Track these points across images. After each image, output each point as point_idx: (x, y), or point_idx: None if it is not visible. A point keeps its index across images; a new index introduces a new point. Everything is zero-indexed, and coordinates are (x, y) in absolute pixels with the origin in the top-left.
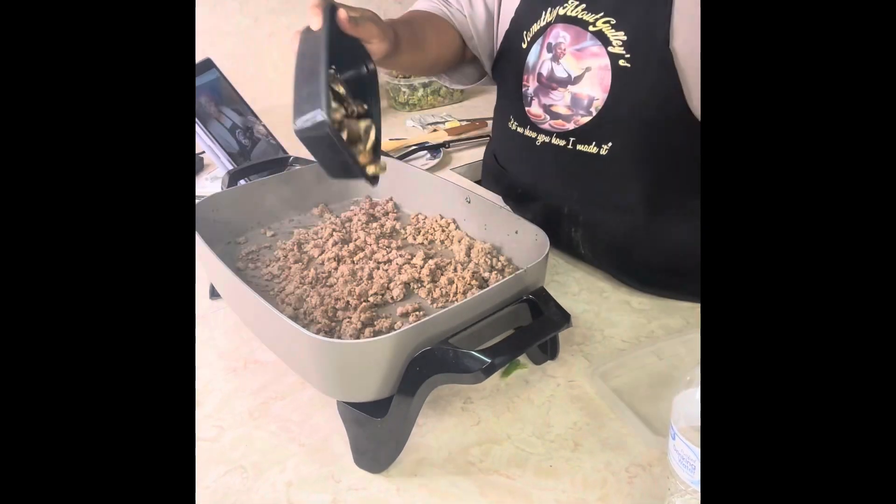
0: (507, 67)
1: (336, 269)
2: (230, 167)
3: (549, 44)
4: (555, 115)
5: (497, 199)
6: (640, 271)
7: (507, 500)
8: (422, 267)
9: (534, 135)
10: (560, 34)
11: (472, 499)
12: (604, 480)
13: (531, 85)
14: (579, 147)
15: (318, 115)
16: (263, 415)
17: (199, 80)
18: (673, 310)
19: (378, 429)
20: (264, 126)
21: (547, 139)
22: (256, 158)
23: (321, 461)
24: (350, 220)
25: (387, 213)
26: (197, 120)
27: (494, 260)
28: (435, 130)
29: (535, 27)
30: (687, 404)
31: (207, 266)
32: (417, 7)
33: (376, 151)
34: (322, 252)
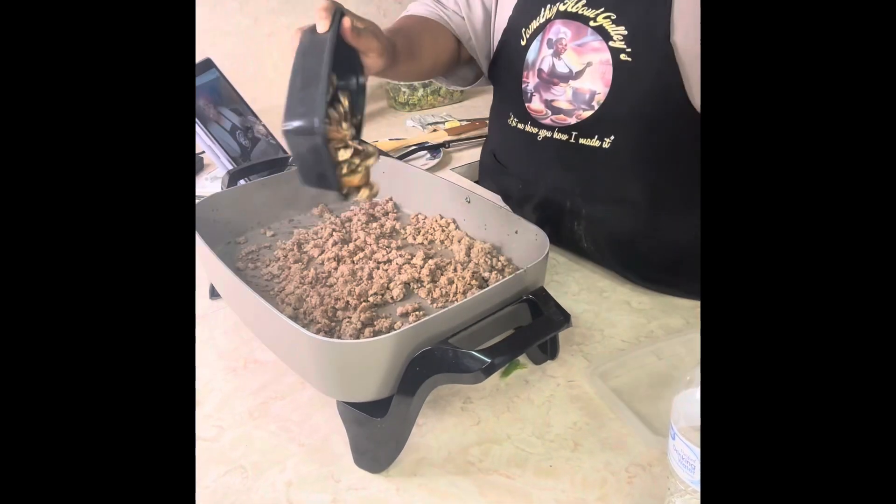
0: (505, 65)
1: (336, 269)
2: (230, 167)
3: (550, 40)
4: (556, 111)
5: (496, 198)
6: (643, 265)
7: (507, 500)
8: (422, 267)
9: (535, 130)
10: (561, 30)
11: (471, 499)
12: (603, 480)
13: (531, 81)
14: (581, 141)
15: (315, 122)
16: (263, 415)
17: (199, 80)
18: (673, 310)
19: (378, 429)
20: (264, 126)
21: (549, 134)
22: (256, 158)
23: (321, 461)
24: (350, 220)
25: (387, 213)
26: (197, 120)
27: (494, 260)
28: (435, 130)
29: (535, 24)
30: (687, 404)
31: (207, 266)
32: (412, 12)
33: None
34: (322, 252)
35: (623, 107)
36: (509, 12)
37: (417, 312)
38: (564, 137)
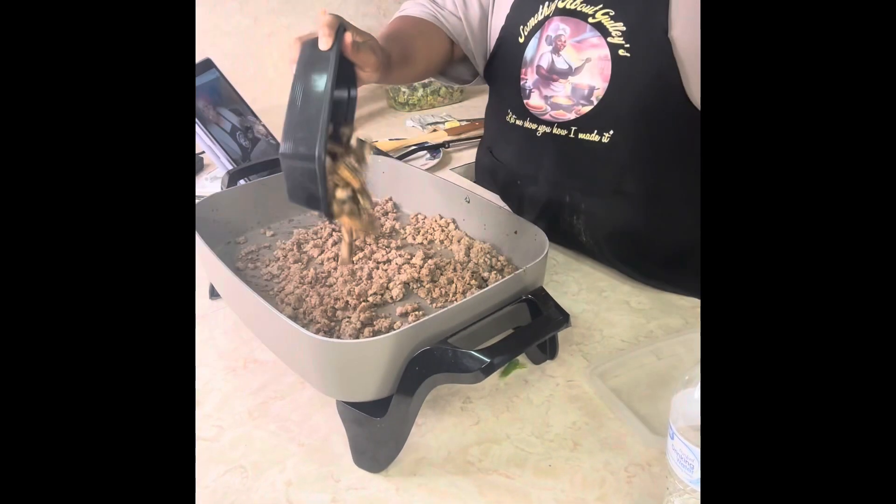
0: (503, 63)
1: (335, 268)
2: (230, 167)
3: (549, 36)
4: (556, 106)
5: (496, 198)
6: (641, 260)
7: (507, 500)
8: (421, 267)
9: (534, 126)
10: (559, 27)
11: (471, 498)
12: (603, 480)
13: (530, 78)
14: (581, 136)
15: (316, 150)
16: (263, 414)
17: (199, 80)
18: (672, 309)
19: (377, 428)
20: (264, 126)
21: (548, 129)
22: (256, 158)
23: (321, 461)
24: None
25: (386, 213)
26: (197, 120)
27: (494, 260)
28: (434, 130)
29: (533, 21)
30: (685, 404)
31: (207, 266)
32: (407, 12)
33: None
34: (322, 252)
35: (622, 102)
36: (507, 10)
37: (417, 312)
38: (564, 133)
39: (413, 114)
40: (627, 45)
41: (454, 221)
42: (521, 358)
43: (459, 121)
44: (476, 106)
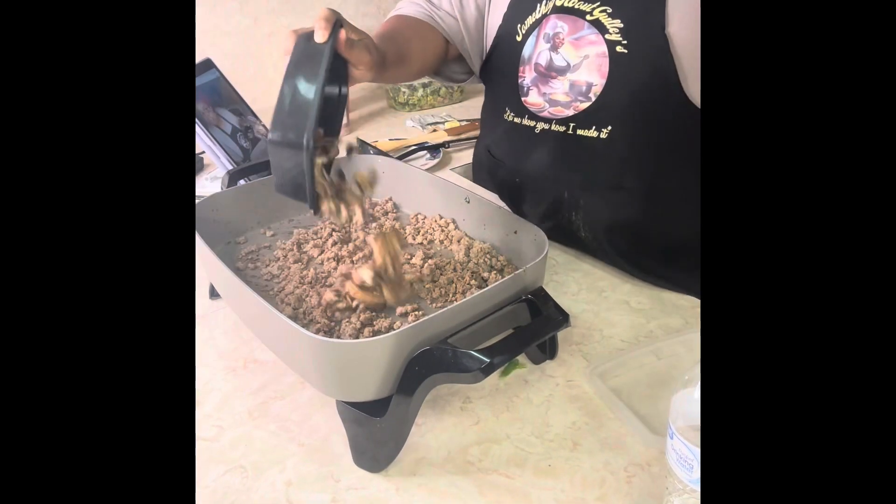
0: (500, 61)
1: (336, 268)
2: (230, 167)
3: (547, 34)
4: (554, 103)
5: (496, 199)
6: (639, 254)
7: (506, 500)
8: (421, 267)
9: (532, 124)
10: (557, 24)
11: (471, 498)
12: (602, 480)
13: (528, 76)
14: (579, 132)
15: (304, 139)
16: (263, 414)
17: (199, 80)
18: (672, 309)
19: (377, 428)
20: (264, 126)
21: (546, 126)
22: (256, 158)
23: (321, 461)
24: (350, 220)
25: (386, 213)
26: (197, 120)
27: (493, 260)
28: (434, 130)
29: (531, 19)
30: (685, 404)
31: (207, 266)
32: (402, 11)
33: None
34: (322, 252)
35: (620, 98)
36: (504, 10)
37: (416, 312)
38: (562, 129)
39: (413, 114)
40: (625, 42)
41: (454, 221)
42: (521, 358)
43: (459, 121)
44: (476, 106)
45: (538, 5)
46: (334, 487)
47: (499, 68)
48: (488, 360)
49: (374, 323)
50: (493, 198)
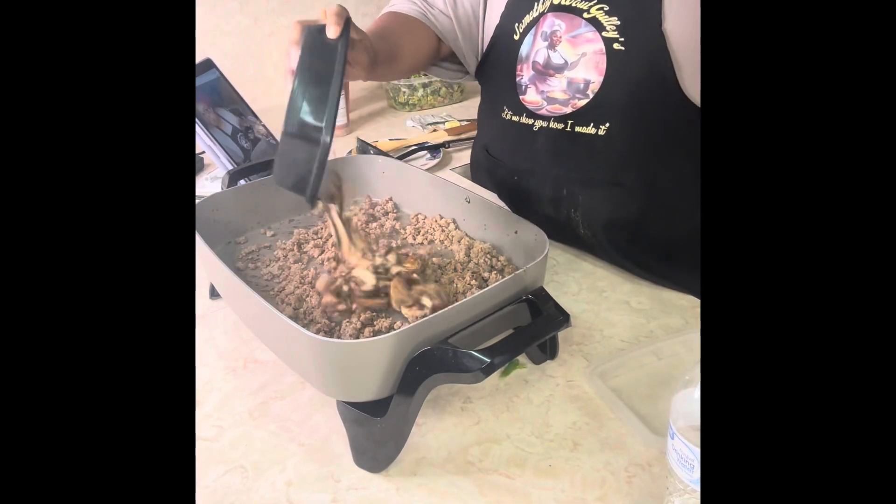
0: (498, 60)
1: (336, 269)
2: (230, 167)
3: (544, 32)
4: (552, 101)
5: (494, 197)
6: (638, 251)
7: (507, 500)
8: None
9: (531, 122)
10: (555, 23)
11: (471, 498)
12: (603, 480)
13: (526, 74)
14: (577, 129)
15: (324, 135)
16: (263, 414)
17: (199, 80)
18: (672, 309)
19: (377, 428)
20: (264, 126)
21: (545, 124)
22: (256, 158)
23: (321, 461)
24: (350, 220)
25: (386, 213)
26: (197, 120)
27: (494, 260)
28: (435, 130)
29: (528, 18)
30: (686, 404)
31: (207, 266)
32: (396, 8)
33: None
34: (322, 252)
35: (617, 94)
36: (501, 9)
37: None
38: (560, 126)
39: (413, 114)
40: (622, 39)
41: (454, 221)
42: (522, 358)
43: (459, 121)
44: (476, 106)
45: (535, 3)
46: (335, 487)
47: (496, 67)
48: (489, 361)
49: (375, 323)
50: (493, 198)
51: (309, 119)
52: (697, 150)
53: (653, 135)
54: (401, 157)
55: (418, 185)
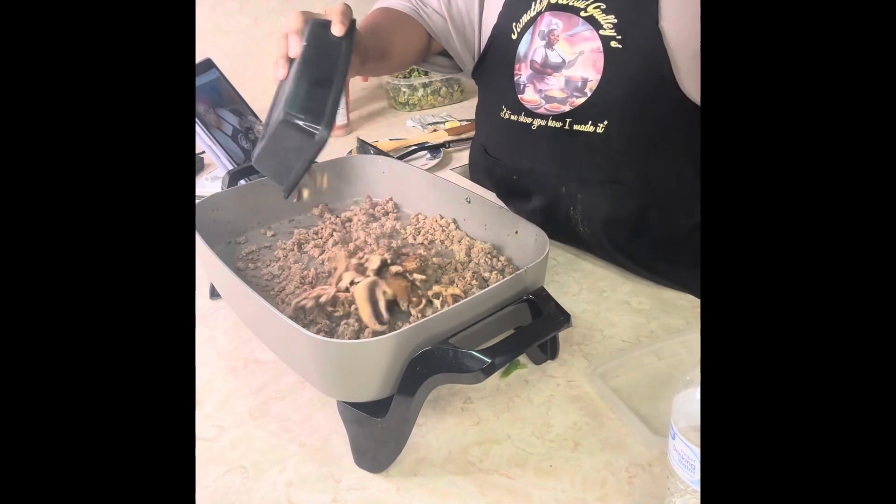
0: (496, 60)
1: (336, 268)
2: (230, 167)
3: (542, 31)
4: (550, 99)
5: (493, 197)
6: (637, 248)
7: (507, 500)
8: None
9: (529, 120)
10: (552, 21)
11: (471, 498)
12: (603, 480)
13: (524, 73)
14: (576, 127)
15: (322, 129)
16: (263, 414)
17: (199, 80)
18: (673, 310)
19: (378, 429)
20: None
21: (543, 123)
22: None
23: (321, 461)
24: (350, 220)
25: (387, 213)
26: (198, 121)
27: (494, 260)
28: (435, 130)
29: (526, 17)
30: (687, 404)
31: (207, 266)
32: (387, 4)
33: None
34: (322, 252)
35: (615, 92)
36: (498, 8)
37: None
38: (559, 125)
39: (413, 114)
40: (619, 37)
41: (455, 221)
42: (522, 358)
43: (459, 121)
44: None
45: (533, 3)
46: (335, 488)
47: (494, 67)
48: (489, 361)
49: None
50: (493, 198)
51: (307, 114)
52: (695, 147)
53: (651, 132)
54: (401, 157)
55: (418, 185)
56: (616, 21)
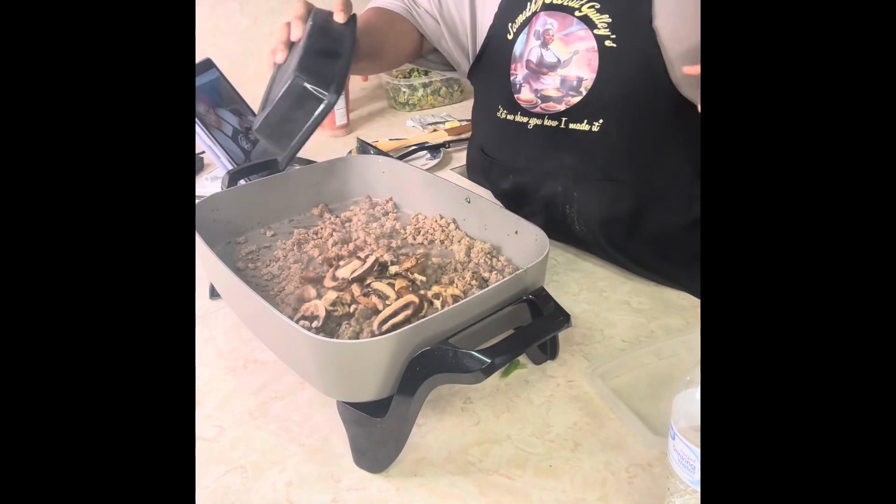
0: (492, 60)
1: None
2: (230, 167)
3: (537, 31)
4: (546, 99)
5: (489, 195)
6: (633, 246)
7: (507, 500)
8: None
9: (525, 120)
10: (547, 21)
11: (471, 499)
12: (603, 480)
13: (519, 73)
14: (571, 126)
15: (331, 97)
16: (263, 415)
17: (199, 80)
18: (673, 310)
19: (378, 429)
20: None
21: (539, 122)
22: (256, 158)
23: (321, 461)
24: (350, 220)
25: (387, 213)
26: (198, 121)
27: (494, 260)
28: (435, 130)
29: (521, 17)
30: (687, 404)
31: (207, 266)
32: (380, 4)
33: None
34: (322, 252)
35: (610, 91)
36: (494, 9)
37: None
38: (554, 124)
39: (413, 114)
40: (613, 36)
41: (454, 221)
42: (522, 358)
43: (459, 121)
44: None
45: (528, 3)
46: (335, 488)
47: (490, 67)
48: (489, 361)
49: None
50: (493, 197)
51: (316, 79)
52: (690, 144)
53: (645, 130)
54: (401, 157)
55: (418, 185)
56: (610, 20)
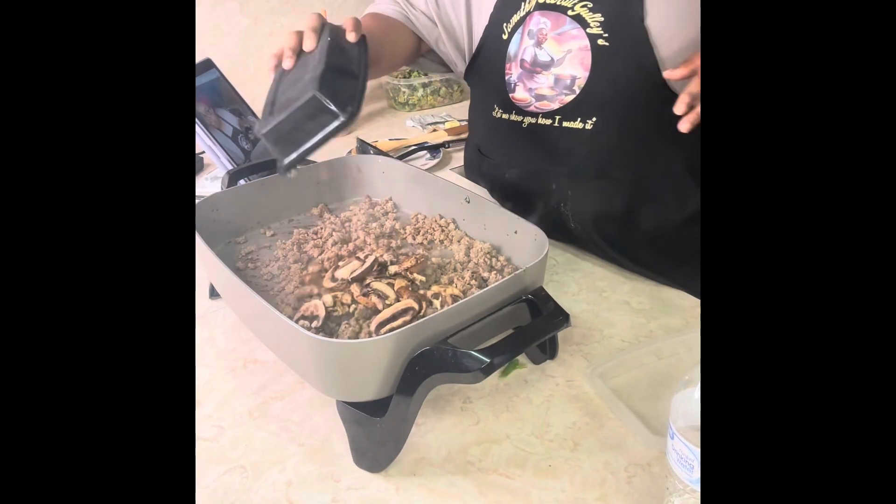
0: (487, 60)
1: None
2: (230, 167)
3: (531, 31)
4: (540, 98)
5: (485, 193)
6: (628, 243)
7: (507, 500)
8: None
9: (520, 119)
10: (540, 21)
11: (471, 498)
12: (603, 480)
13: (514, 72)
14: (565, 124)
15: (346, 118)
16: (263, 415)
17: (199, 80)
18: (672, 310)
19: (377, 428)
20: None
21: (533, 120)
22: (256, 158)
23: (321, 461)
24: (350, 220)
25: (386, 213)
26: (198, 121)
27: (494, 260)
28: (435, 130)
29: (516, 17)
30: (686, 404)
31: (207, 266)
32: (378, 9)
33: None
34: (322, 252)
35: (603, 89)
36: (489, 10)
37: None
38: (549, 122)
39: (413, 114)
40: (606, 35)
41: (454, 221)
42: (521, 358)
43: (459, 121)
44: None
45: (523, 3)
46: (334, 488)
47: (486, 67)
48: (488, 361)
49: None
50: (491, 197)
51: (334, 98)
52: (682, 142)
53: (638, 128)
54: (401, 157)
55: (418, 185)
56: (602, 19)
